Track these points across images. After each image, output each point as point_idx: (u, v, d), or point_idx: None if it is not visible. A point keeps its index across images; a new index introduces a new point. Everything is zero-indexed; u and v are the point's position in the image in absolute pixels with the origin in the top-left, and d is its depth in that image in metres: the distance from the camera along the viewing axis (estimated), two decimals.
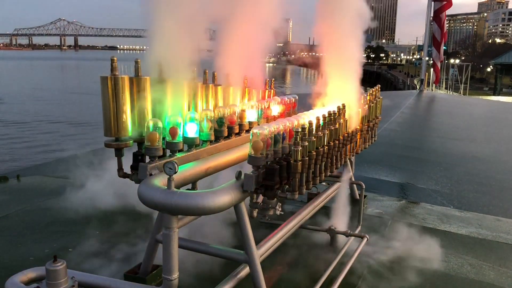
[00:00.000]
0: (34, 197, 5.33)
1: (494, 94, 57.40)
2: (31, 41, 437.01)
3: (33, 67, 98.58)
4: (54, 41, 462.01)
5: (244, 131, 3.56)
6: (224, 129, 3.26)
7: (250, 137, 2.74)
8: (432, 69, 26.52)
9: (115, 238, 4.20)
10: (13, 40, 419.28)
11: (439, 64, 25.62)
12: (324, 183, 4.75)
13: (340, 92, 4.15)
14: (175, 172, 2.44)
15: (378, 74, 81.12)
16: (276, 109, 4.12)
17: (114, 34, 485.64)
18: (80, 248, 4.02)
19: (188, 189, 2.79)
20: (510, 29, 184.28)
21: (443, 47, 25.05)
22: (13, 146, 19.58)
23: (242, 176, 2.71)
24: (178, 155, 2.89)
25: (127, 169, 2.94)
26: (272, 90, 4.57)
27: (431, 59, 25.97)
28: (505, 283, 3.85)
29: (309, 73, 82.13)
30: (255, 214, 3.08)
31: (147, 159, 2.81)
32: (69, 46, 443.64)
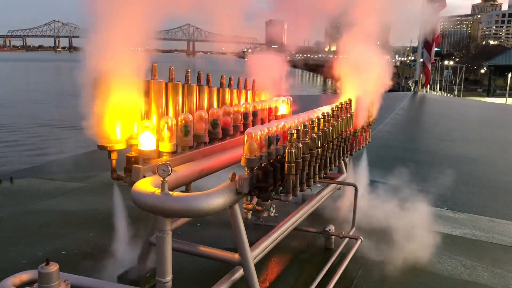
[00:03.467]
0: (27, 200, 5.29)
1: (487, 96, 57.76)
2: (25, 43, 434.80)
3: (27, 69, 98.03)
4: (49, 43, 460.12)
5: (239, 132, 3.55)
6: (218, 131, 3.26)
7: (245, 138, 2.73)
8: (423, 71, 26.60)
9: (109, 240, 4.17)
10: (7, 42, 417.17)
11: (429, 66, 25.68)
12: (318, 185, 4.75)
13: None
14: (169, 174, 2.43)
15: None
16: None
17: None
18: (73, 250, 3.99)
19: (182, 191, 2.79)
20: (503, 31, 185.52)
21: (434, 50, 25.09)
22: (7, 148, 19.46)
23: (236, 178, 2.71)
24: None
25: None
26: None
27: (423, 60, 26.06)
28: (499, 284, 3.86)
29: (303, 74, 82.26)
30: (249, 216, 3.08)
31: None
32: (64, 48, 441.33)
